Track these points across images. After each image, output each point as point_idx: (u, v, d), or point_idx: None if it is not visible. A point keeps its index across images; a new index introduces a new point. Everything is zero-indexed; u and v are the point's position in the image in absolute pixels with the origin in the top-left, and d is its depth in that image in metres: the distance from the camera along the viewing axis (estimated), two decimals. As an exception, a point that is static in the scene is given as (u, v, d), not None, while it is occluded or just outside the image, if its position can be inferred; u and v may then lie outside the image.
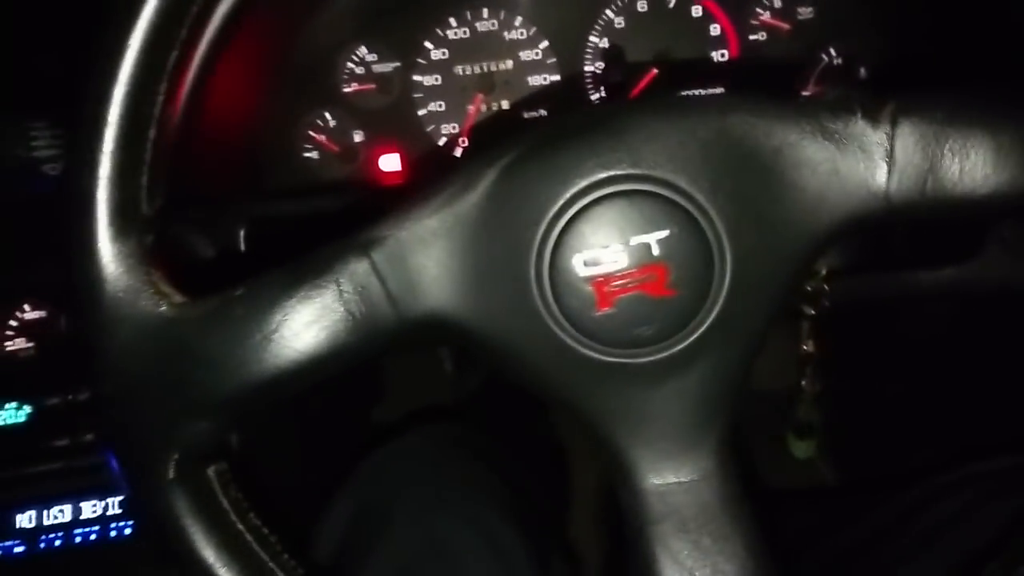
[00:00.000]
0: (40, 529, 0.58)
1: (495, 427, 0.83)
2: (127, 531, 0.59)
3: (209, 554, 0.31)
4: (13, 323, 0.60)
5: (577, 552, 0.71)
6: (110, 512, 0.59)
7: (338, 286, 0.30)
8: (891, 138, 0.30)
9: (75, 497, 0.59)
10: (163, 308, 0.30)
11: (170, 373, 0.30)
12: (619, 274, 0.30)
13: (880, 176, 0.30)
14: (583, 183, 0.30)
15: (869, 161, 0.30)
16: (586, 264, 0.30)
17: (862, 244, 0.58)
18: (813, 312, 0.51)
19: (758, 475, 0.83)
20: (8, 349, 0.60)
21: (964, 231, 0.61)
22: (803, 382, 0.56)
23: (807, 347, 0.53)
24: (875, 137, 0.30)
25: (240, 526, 0.32)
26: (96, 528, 0.59)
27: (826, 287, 0.50)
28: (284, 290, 0.30)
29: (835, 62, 0.62)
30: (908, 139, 0.30)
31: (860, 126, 0.30)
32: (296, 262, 0.31)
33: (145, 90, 0.30)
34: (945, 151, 0.29)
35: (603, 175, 0.30)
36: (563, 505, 0.94)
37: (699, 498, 0.32)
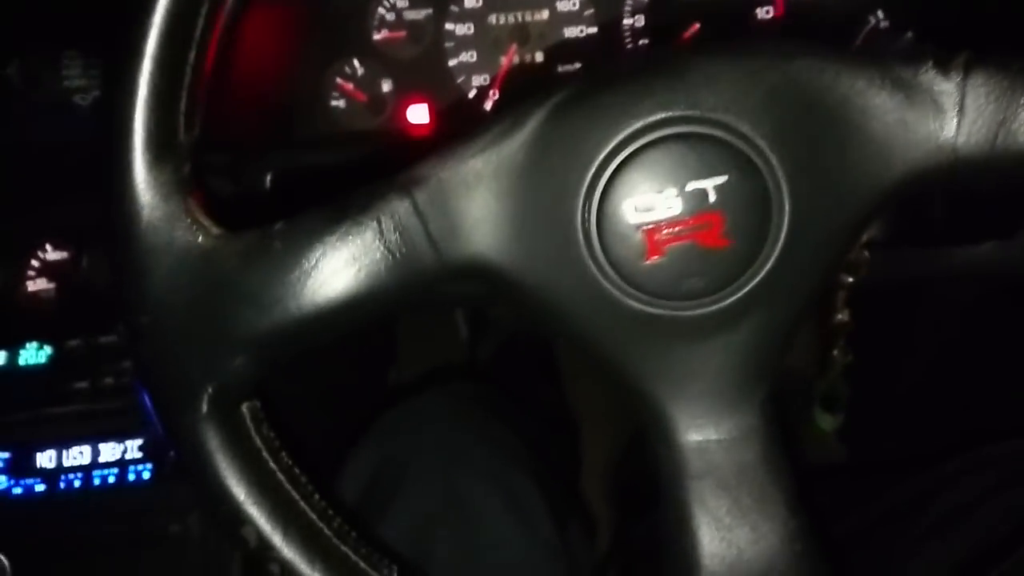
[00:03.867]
0: (60, 469, 0.59)
1: (508, 393, 0.83)
2: (145, 475, 0.59)
3: (240, 491, 0.31)
4: (35, 263, 0.59)
5: (592, 516, 0.71)
6: (129, 455, 0.59)
7: (379, 225, 0.29)
8: (962, 88, 0.28)
9: (94, 439, 0.59)
10: (201, 239, 0.29)
11: (206, 306, 0.29)
12: (672, 221, 0.29)
13: (949, 127, 0.28)
14: (638, 124, 0.29)
15: (938, 111, 0.28)
16: (637, 210, 0.29)
17: (902, 215, 0.57)
18: (852, 280, 0.49)
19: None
20: (29, 290, 0.59)
21: (1006, 207, 0.59)
22: (835, 352, 0.55)
23: (842, 316, 0.52)
24: (946, 87, 0.28)
25: (272, 465, 0.31)
26: (115, 471, 0.59)
27: (866, 254, 0.49)
28: (325, 226, 0.29)
29: (882, 25, 0.60)
30: (980, 90, 0.28)
31: (931, 75, 0.29)
32: (337, 200, 0.30)
33: (186, 12, 0.29)
34: (1020, 103, 0.28)
35: (660, 116, 0.28)
36: (574, 472, 0.94)
37: (740, 456, 0.31)
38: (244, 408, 0.31)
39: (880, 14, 0.60)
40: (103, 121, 0.30)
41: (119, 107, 0.29)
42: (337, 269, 0.29)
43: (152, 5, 0.28)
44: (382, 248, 0.29)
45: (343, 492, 0.54)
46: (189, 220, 0.29)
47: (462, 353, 1.13)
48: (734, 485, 0.31)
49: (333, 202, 0.30)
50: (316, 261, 0.29)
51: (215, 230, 0.30)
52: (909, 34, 0.60)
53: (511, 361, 1.05)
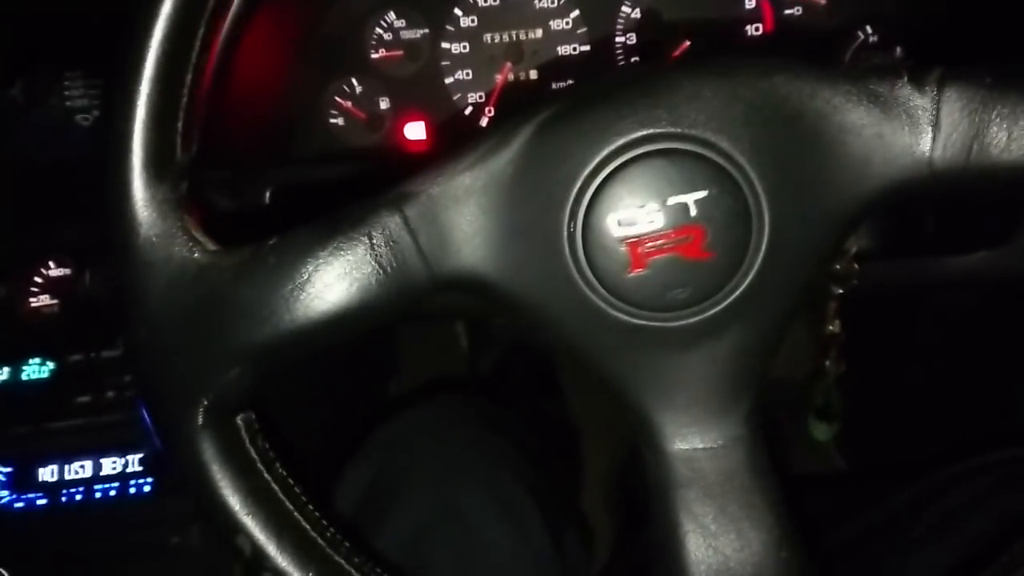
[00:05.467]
0: (62, 483, 0.59)
1: (509, 404, 0.83)
2: (146, 488, 0.59)
3: (235, 502, 0.31)
4: (38, 280, 0.60)
5: (591, 526, 0.71)
6: (130, 469, 0.60)
7: (370, 240, 0.30)
8: (937, 103, 0.29)
9: (96, 453, 0.60)
10: (196, 255, 0.30)
11: (201, 320, 0.30)
12: (654, 235, 0.30)
13: (924, 142, 0.29)
14: (620, 141, 0.29)
15: (914, 126, 0.29)
16: (620, 224, 0.30)
17: (892, 226, 0.57)
18: (841, 292, 0.50)
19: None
20: (32, 306, 0.60)
21: (997, 215, 0.59)
22: (827, 363, 0.55)
23: (833, 327, 0.52)
24: (921, 102, 0.29)
25: (267, 475, 0.32)
26: (116, 484, 0.60)
27: (856, 267, 0.49)
28: (317, 241, 0.30)
29: (871, 39, 0.61)
30: (954, 104, 0.29)
31: (906, 90, 0.29)
32: (329, 216, 0.31)
33: (184, 33, 0.29)
34: (993, 117, 0.29)
35: (641, 133, 0.29)
36: (575, 483, 0.94)
37: (726, 464, 0.31)
38: (239, 419, 0.32)
39: (868, 29, 0.61)
40: (102, 140, 0.31)
41: (118, 127, 0.30)
42: (329, 283, 0.30)
43: (150, 27, 0.29)
44: (373, 262, 0.30)
45: (340, 502, 0.54)
46: (186, 237, 0.30)
47: (463, 365, 1.14)
48: (720, 493, 0.31)
49: (326, 217, 0.31)
50: (308, 275, 0.30)
51: (211, 246, 0.30)
52: (898, 49, 0.61)
53: (511, 372, 1.05)
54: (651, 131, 0.29)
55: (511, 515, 0.51)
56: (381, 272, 0.30)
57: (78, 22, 0.52)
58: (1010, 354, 0.73)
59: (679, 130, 0.29)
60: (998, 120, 0.29)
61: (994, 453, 0.53)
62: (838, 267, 0.49)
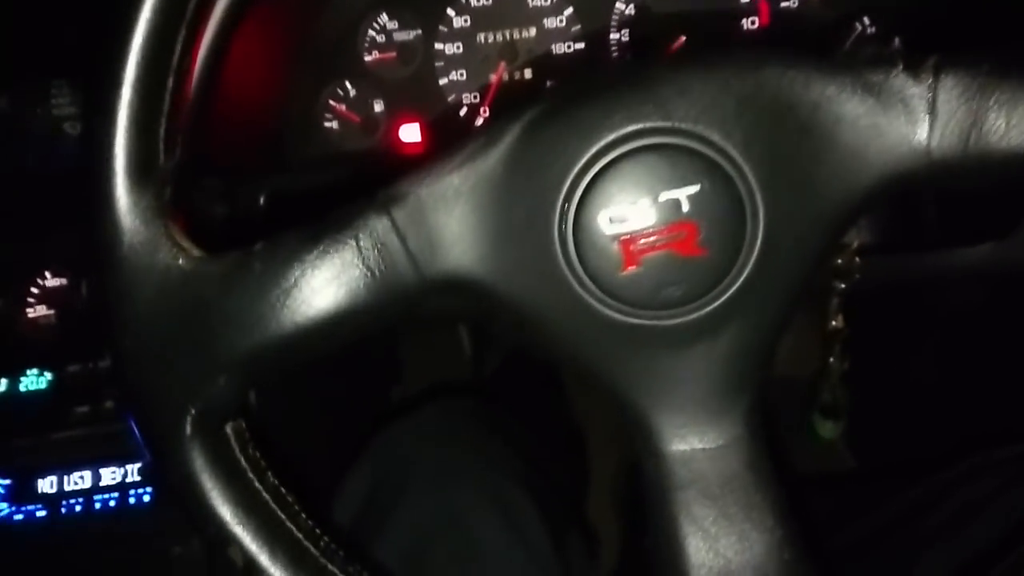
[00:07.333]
0: (61, 494, 0.59)
1: (514, 409, 0.83)
2: (146, 498, 0.59)
3: (225, 512, 0.31)
4: (35, 291, 0.60)
5: (595, 530, 0.70)
6: (129, 479, 0.60)
7: (357, 243, 0.30)
8: (933, 91, 0.28)
9: (95, 464, 0.59)
10: (181, 262, 0.29)
11: (188, 328, 0.30)
12: (647, 232, 0.29)
13: (922, 131, 0.28)
14: (611, 137, 0.29)
15: (910, 115, 0.28)
16: (612, 221, 0.29)
17: (895, 220, 0.57)
18: (844, 287, 0.49)
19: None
20: (30, 316, 0.60)
21: (999, 208, 0.59)
22: (831, 360, 0.54)
23: (836, 323, 0.52)
24: (917, 90, 0.28)
25: (257, 485, 0.31)
26: (115, 495, 0.59)
27: (858, 260, 0.49)
28: (303, 246, 0.30)
29: (868, 31, 0.60)
30: (951, 92, 0.28)
31: (901, 79, 0.29)
32: (316, 219, 0.31)
33: (163, 38, 0.29)
34: (991, 104, 0.28)
35: (631, 128, 0.29)
36: (581, 488, 0.94)
37: (726, 465, 0.31)
38: (228, 428, 0.31)
39: (866, 20, 0.60)
40: (85, 147, 0.30)
41: (99, 134, 0.29)
42: (317, 288, 0.29)
43: (128, 33, 0.29)
44: (361, 266, 0.30)
45: (341, 507, 0.54)
46: (170, 243, 0.29)
47: (466, 370, 1.13)
48: (720, 494, 0.31)
49: (312, 221, 0.31)
50: (295, 280, 0.29)
51: (196, 253, 0.30)
52: (896, 40, 0.61)
53: (515, 377, 1.05)
54: (641, 126, 0.29)
55: (513, 520, 0.50)
56: (370, 276, 0.30)
57: (63, 31, 0.52)
58: (1018, 347, 0.72)
59: (669, 124, 0.29)
60: (996, 107, 0.28)
61: (1004, 449, 0.53)
62: (840, 262, 0.49)
